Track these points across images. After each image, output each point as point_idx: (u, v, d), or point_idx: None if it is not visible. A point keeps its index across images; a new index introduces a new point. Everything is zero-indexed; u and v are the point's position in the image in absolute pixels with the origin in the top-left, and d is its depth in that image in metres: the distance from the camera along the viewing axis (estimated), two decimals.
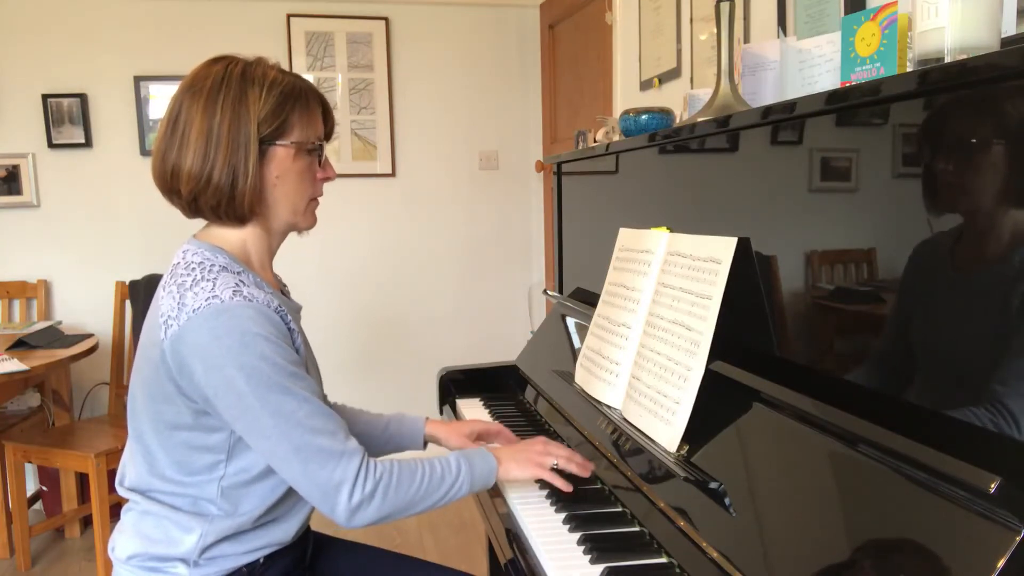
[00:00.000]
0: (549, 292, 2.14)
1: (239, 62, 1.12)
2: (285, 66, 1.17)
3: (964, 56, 0.81)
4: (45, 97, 3.19)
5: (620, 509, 1.19)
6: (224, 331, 1.02)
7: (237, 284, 1.06)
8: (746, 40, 1.88)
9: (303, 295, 1.40)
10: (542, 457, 1.22)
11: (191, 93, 1.10)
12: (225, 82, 1.09)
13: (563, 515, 1.18)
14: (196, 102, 1.09)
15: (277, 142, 1.11)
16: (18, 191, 3.22)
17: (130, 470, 1.16)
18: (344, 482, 1.04)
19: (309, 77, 1.21)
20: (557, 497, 1.23)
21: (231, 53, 1.15)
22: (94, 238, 3.29)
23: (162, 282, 1.12)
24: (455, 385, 1.93)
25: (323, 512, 1.07)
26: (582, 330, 1.69)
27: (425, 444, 1.46)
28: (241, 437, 1.07)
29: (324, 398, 1.28)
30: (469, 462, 1.17)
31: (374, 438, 1.43)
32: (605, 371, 1.40)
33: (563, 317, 1.89)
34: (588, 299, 1.79)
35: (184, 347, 1.03)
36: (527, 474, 1.21)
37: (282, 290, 1.29)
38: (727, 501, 0.96)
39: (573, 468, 1.22)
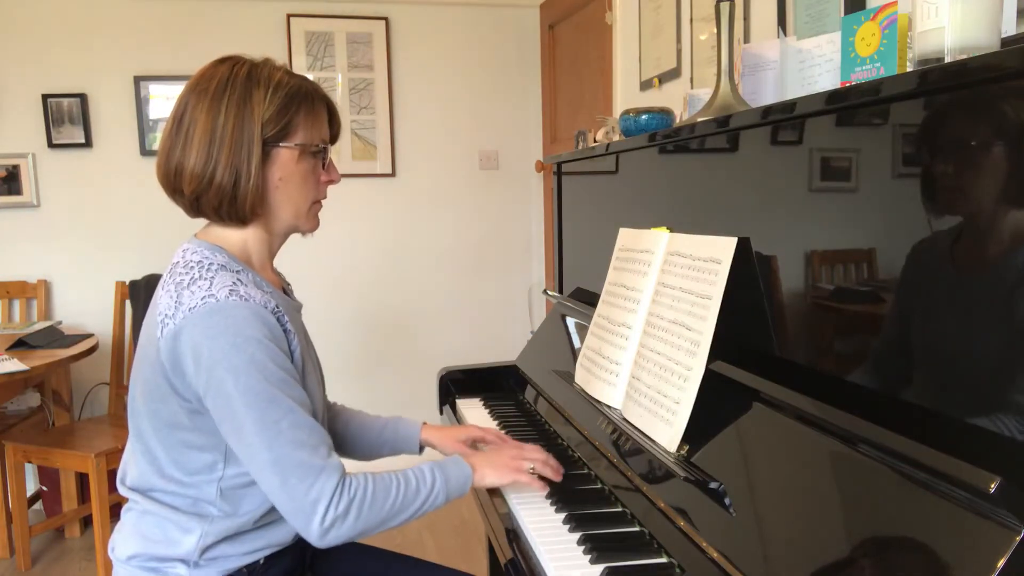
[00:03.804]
0: (549, 292, 2.14)
1: (245, 63, 1.12)
2: (288, 67, 1.17)
3: (964, 56, 0.81)
4: (45, 97, 3.19)
5: (620, 509, 1.19)
6: (218, 331, 1.02)
7: (234, 283, 1.06)
8: (746, 40, 1.88)
9: (302, 295, 1.40)
10: (517, 461, 1.21)
11: (196, 93, 1.10)
12: (230, 82, 1.09)
13: (563, 515, 1.18)
14: (201, 102, 1.09)
15: (281, 144, 1.11)
16: (18, 191, 3.21)
17: (131, 469, 1.16)
18: (320, 500, 1.02)
19: (309, 77, 1.21)
20: (557, 497, 1.23)
21: (238, 53, 1.15)
22: (94, 238, 3.29)
23: (162, 281, 1.12)
24: (455, 385, 1.93)
25: (296, 528, 1.05)
26: (582, 330, 1.69)
27: (421, 448, 1.46)
28: None
29: (323, 397, 1.28)
30: (444, 472, 1.15)
31: (370, 440, 1.43)
32: (605, 371, 1.40)
33: (563, 317, 1.89)
34: (588, 299, 1.79)
35: (179, 345, 1.03)
36: (503, 479, 1.20)
37: (284, 288, 1.29)
38: (727, 501, 0.96)
39: (548, 472, 1.22)
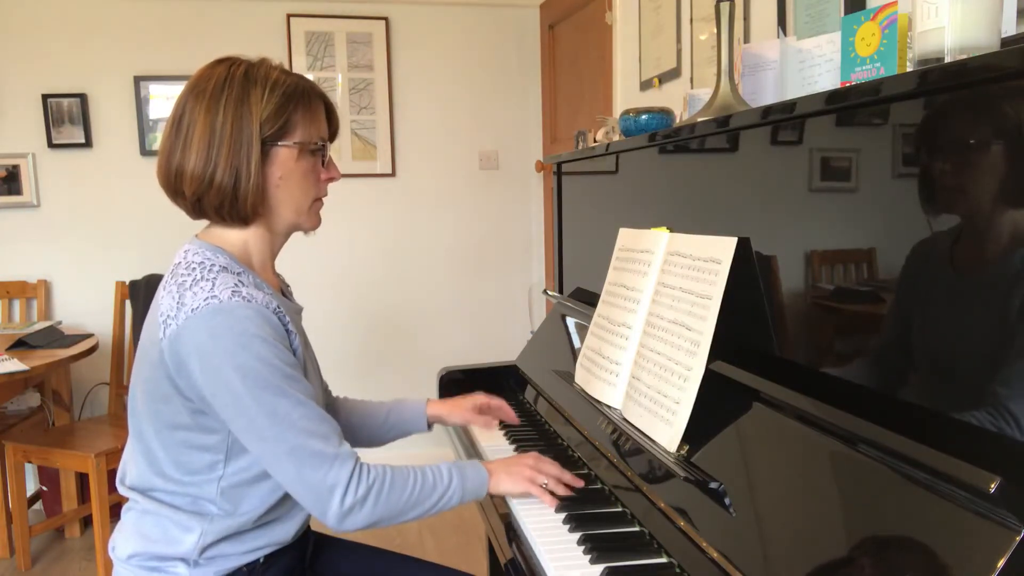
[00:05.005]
0: (549, 292, 2.14)
1: (242, 63, 1.12)
2: (285, 66, 1.17)
3: (964, 56, 0.81)
4: (45, 97, 3.19)
5: (620, 509, 1.19)
6: (221, 331, 1.02)
7: (236, 284, 1.06)
8: (746, 40, 1.88)
9: (302, 295, 1.40)
10: (533, 473, 1.22)
11: (195, 94, 1.10)
12: (228, 83, 1.09)
13: (563, 515, 1.18)
14: (199, 103, 1.09)
15: (280, 142, 1.12)
16: (18, 191, 3.21)
17: (131, 469, 1.16)
18: (337, 485, 1.05)
19: (309, 77, 1.23)
20: (557, 497, 1.23)
21: (235, 54, 1.15)
22: (94, 238, 3.29)
23: (163, 282, 1.12)
24: (455, 385, 1.94)
25: (315, 515, 1.08)
26: (582, 330, 1.69)
27: (430, 426, 1.47)
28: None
29: (326, 397, 1.28)
30: (461, 473, 1.17)
31: (375, 427, 1.44)
32: (605, 371, 1.40)
33: (563, 317, 1.89)
34: (588, 299, 1.79)
35: (182, 347, 1.04)
36: (518, 489, 1.21)
37: (283, 291, 1.29)
38: (727, 501, 0.96)
39: (560, 490, 1.23)
